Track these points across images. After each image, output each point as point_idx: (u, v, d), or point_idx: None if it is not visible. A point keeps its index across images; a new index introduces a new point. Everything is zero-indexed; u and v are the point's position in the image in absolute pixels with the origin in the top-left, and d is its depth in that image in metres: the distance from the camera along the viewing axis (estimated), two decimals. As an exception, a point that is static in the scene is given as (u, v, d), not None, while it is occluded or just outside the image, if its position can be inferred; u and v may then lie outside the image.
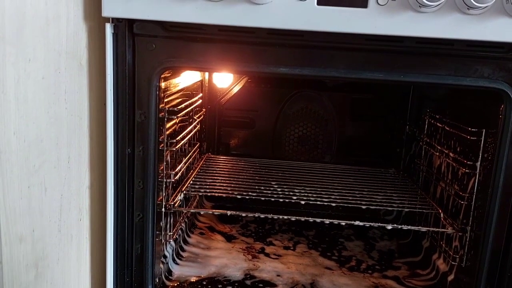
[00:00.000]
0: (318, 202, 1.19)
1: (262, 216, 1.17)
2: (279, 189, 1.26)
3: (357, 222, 1.09)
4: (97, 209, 0.94)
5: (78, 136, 0.85)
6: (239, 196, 1.21)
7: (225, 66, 0.87)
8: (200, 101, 1.44)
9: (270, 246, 1.31)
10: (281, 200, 1.21)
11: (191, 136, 1.32)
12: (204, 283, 1.09)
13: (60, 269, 0.83)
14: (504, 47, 0.81)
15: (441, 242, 1.15)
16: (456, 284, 1.05)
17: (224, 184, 1.29)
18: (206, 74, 1.50)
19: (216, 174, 1.37)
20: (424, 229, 1.19)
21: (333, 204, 1.18)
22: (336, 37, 0.81)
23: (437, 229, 1.14)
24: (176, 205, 1.13)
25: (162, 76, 0.88)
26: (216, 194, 1.25)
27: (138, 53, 0.85)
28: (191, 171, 1.37)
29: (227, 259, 1.21)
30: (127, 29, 0.84)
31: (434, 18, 0.78)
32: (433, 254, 1.21)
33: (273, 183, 1.31)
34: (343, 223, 1.14)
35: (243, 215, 1.36)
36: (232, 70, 1.10)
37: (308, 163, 1.54)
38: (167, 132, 1.05)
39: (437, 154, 1.24)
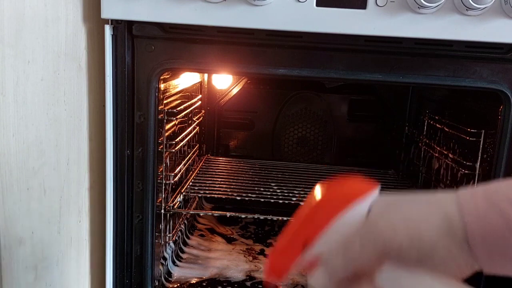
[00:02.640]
0: (318, 203, 1.19)
1: (262, 217, 1.17)
2: (278, 191, 1.26)
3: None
4: (96, 211, 0.94)
5: (77, 138, 0.85)
6: (238, 198, 1.21)
7: (225, 67, 0.87)
8: (199, 102, 1.45)
9: (270, 247, 1.31)
10: (280, 201, 1.21)
11: (190, 138, 1.31)
12: (204, 284, 1.09)
13: (60, 271, 0.83)
14: (503, 48, 0.81)
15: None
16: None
17: (224, 186, 1.28)
18: (205, 75, 1.50)
19: (216, 176, 1.37)
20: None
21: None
22: (335, 38, 0.81)
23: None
24: (175, 207, 1.13)
25: (161, 77, 0.88)
26: (216, 196, 1.25)
27: (137, 55, 0.85)
28: (191, 172, 1.37)
29: (227, 261, 1.21)
30: (126, 30, 0.84)
31: (433, 19, 0.78)
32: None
33: (273, 184, 1.31)
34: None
35: (243, 216, 1.36)
36: (232, 71, 1.10)
37: (308, 164, 1.54)
38: (166, 134, 1.05)
39: (437, 155, 1.24)
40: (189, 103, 1.24)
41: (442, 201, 0.35)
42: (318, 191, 0.40)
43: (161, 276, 1.06)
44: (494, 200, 0.33)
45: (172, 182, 1.08)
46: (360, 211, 0.38)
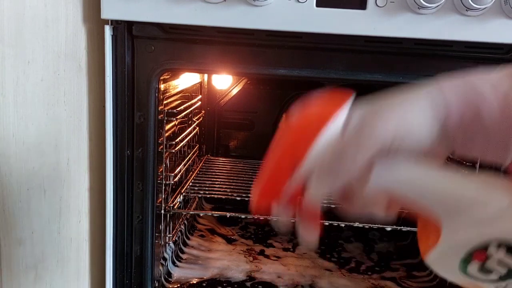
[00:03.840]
0: (318, 204, 1.19)
1: (262, 217, 1.17)
2: (278, 191, 1.26)
3: (356, 224, 1.09)
4: (96, 211, 0.94)
5: (77, 138, 0.85)
6: (238, 198, 1.21)
7: (225, 67, 0.87)
8: (199, 103, 1.45)
9: (269, 248, 1.31)
10: (280, 201, 1.20)
11: (190, 138, 1.31)
12: (204, 284, 1.09)
13: (60, 271, 0.83)
14: (503, 48, 0.81)
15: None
16: (456, 285, 1.05)
17: (224, 186, 1.28)
18: (205, 76, 1.50)
19: (216, 176, 1.37)
20: (423, 230, 1.19)
21: (333, 206, 1.18)
22: (335, 39, 0.81)
23: (437, 230, 1.13)
24: (175, 207, 1.13)
25: (161, 78, 0.88)
26: (216, 196, 1.25)
27: (137, 55, 0.85)
28: (191, 173, 1.37)
29: (228, 261, 1.21)
30: (126, 31, 0.84)
31: (432, 20, 0.78)
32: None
33: (273, 184, 1.31)
34: (343, 225, 1.14)
35: (243, 216, 1.36)
36: (232, 71, 1.10)
37: (308, 164, 1.53)
38: (166, 134, 1.05)
39: (436, 155, 1.24)
40: (189, 103, 1.24)
41: (426, 93, 0.38)
42: (293, 116, 0.38)
43: (161, 277, 1.06)
44: (475, 87, 0.37)
45: (172, 182, 1.08)
46: (341, 121, 0.37)
